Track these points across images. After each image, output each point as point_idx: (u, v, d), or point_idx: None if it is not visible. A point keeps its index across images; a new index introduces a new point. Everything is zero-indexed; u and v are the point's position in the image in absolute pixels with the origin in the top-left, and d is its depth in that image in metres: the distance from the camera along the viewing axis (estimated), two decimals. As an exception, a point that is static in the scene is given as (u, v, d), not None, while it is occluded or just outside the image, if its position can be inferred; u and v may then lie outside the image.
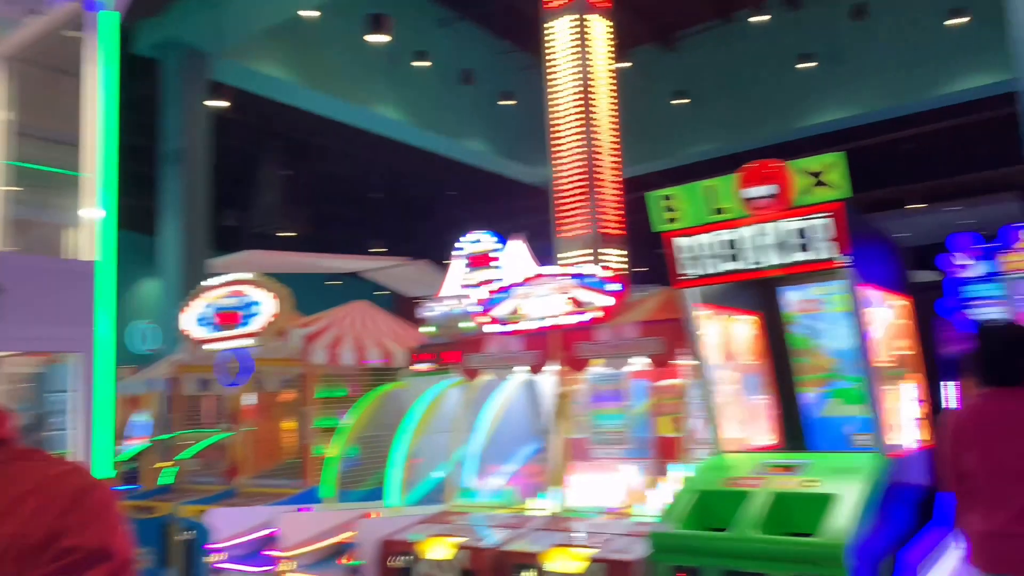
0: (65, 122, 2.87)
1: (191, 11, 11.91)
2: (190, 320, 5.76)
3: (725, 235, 3.19)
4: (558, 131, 9.54)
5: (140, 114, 11.28)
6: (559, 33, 9.56)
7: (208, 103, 12.64)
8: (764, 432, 3.62)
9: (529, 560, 3.24)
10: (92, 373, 2.45)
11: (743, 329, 3.66)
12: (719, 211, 3.19)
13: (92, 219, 2.79)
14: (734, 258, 3.19)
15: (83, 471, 1.11)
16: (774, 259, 3.11)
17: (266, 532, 4.31)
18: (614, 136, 9.64)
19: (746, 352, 3.64)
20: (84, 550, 1.01)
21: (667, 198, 3.28)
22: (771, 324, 3.67)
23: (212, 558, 4.44)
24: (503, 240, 6.52)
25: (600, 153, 9.34)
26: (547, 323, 4.12)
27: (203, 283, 5.88)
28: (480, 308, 4.42)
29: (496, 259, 6.35)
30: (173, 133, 12.13)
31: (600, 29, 9.61)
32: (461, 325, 5.81)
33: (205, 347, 5.67)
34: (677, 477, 3.59)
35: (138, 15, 11.34)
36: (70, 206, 2.82)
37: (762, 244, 3.11)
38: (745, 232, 3.14)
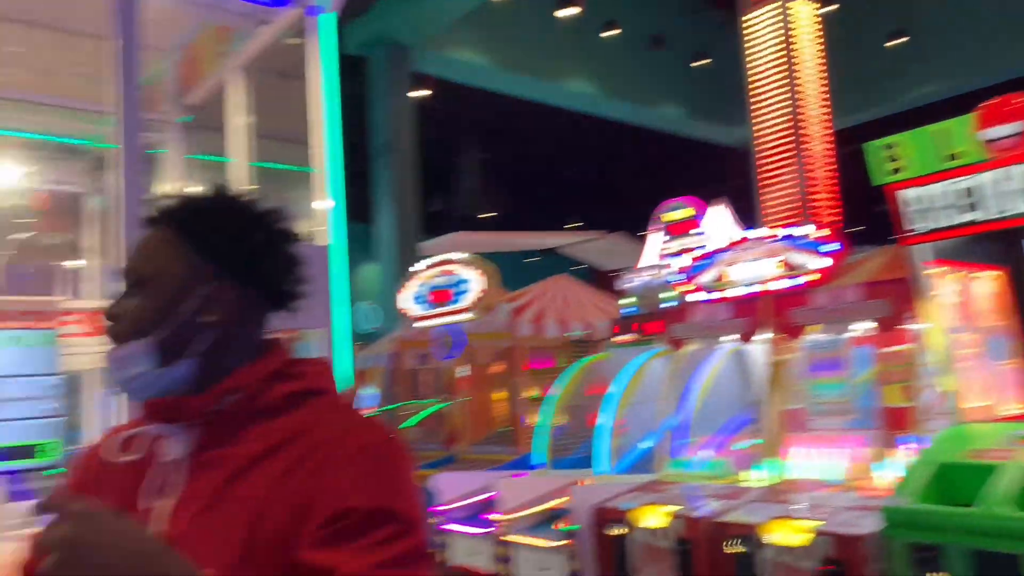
0: (295, 123, 3.16)
1: (393, 6, 12.60)
2: (407, 299, 6.15)
3: (962, 183, 2.89)
4: (758, 87, 9.06)
5: (352, 111, 12.13)
6: (756, -17, 9.07)
7: (412, 94, 13.35)
8: (1012, 401, 3.25)
9: (747, 531, 3.15)
10: (332, 347, 2.71)
11: (984, 286, 3.30)
12: (952, 157, 2.89)
13: (322, 209, 3.05)
14: (972, 208, 2.88)
15: (379, 427, 1.06)
16: (1022, 206, 2.78)
17: (485, 496, 4.52)
18: (822, 87, 9.00)
19: (989, 312, 3.28)
20: (363, 512, 0.95)
21: (889, 147, 3.02)
22: (1019, 279, 3.27)
23: (436, 520, 4.74)
24: (702, 206, 6.32)
25: (805, 106, 8.76)
26: (756, 289, 3.95)
27: (416, 265, 6.25)
28: (682, 277, 4.32)
29: (696, 226, 6.18)
30: (382, 127, 12.96)
31: (801, -27, 8.99)
32: (661, 296, 5.73)
33: (421, 324, 6.04)
34: (909, 449, 3.32)
35: (346, 16, 12.16)
36: (302, 199, 3.11)
37: (1007, 190, 2.78)
38: (986, 178, 2.83)
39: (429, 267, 6.04)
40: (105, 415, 3.07)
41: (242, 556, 0.92)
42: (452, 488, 4.77)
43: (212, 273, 1.04)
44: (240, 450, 0.99)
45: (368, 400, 7.54)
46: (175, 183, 3.64)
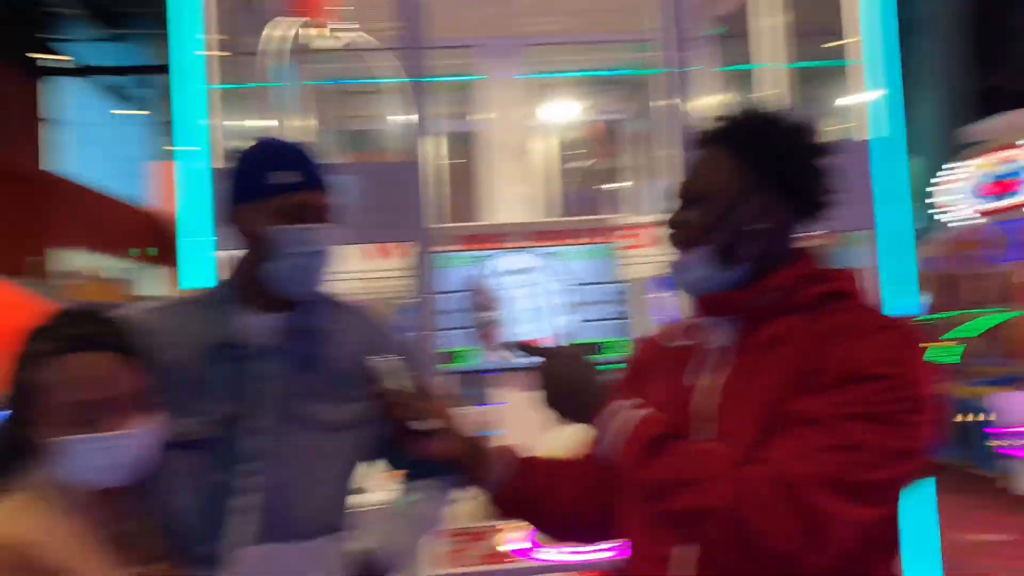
0: (827, 15, 2.98)
1: None
2: (952, 193, 5.44)
3: None
4: None
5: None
6: None
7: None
8: None
9: None
10: (879, 248, 2.57)
11: None
12: None
13: (864, 103, 2.85)
14: None
15: (901, 320, 1.18)
16: None
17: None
18: None
19: None
20: (863, 375, 1.05)
21: None
22: None
23: (996, 442, 4.22)
24: None
25: None
26: None
27: (964, 152, 5.46)
28: None
29: None
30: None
31: None
32: None
33: (971, 221, 5.30)
34: None
35: None
36: (839, 94, 2.93)
37: None
38: None
39: (982, 154, 5.22)
40: (655, 315, 3.41)
41: (762, 430, 1.06)
42: (1016, 410, 4.18)
43: (759, 186, 1.16)
44: (775, 339, 1.12)
45: (909, 307, 6.94)
46: (712, 98, 3.78)
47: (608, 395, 1.12)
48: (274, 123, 3.69)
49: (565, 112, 4.57)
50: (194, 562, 1.26)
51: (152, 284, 22.29)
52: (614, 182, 4.84)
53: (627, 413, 1.08)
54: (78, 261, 16.60)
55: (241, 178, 1.38)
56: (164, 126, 20.96)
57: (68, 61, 18.75)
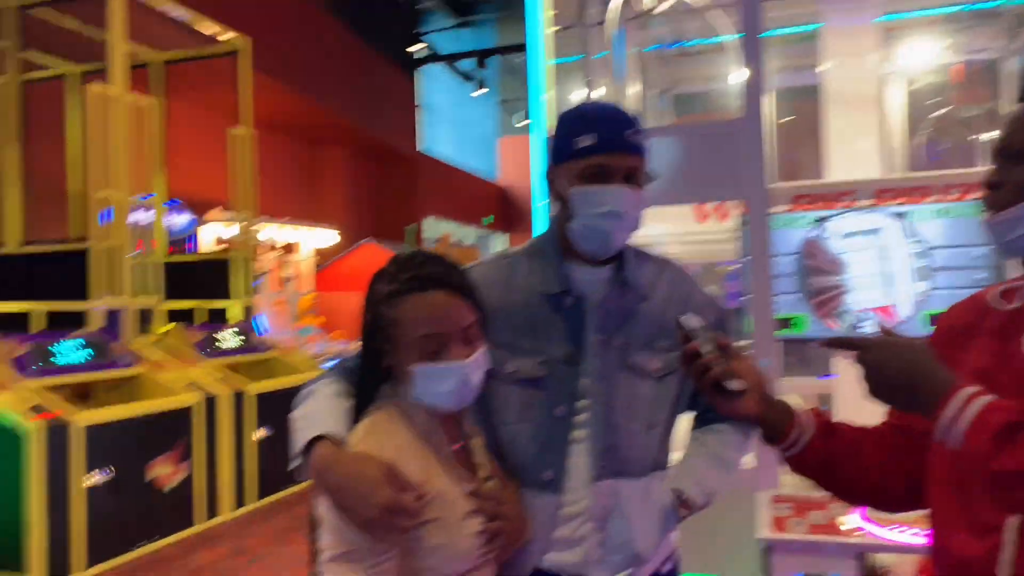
0: None
1: None
2: None
3: None
4: None
5: None
6: None
7: None
8: None
9: None
10: None
11: None
12: None
13: None
14: None
15: None
16: None
17: None
18: None
19: None
20: None
21: None
22: None
23: None
24: None
25: None
26: None
27: None
28: None
29: None
30: None
31: None
32: None
33: None
34: None
35: None
36: None
37: None
38: None
39: None
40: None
41: None
42: None
43: None
44: None
45: None
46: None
47: (945, 383, 1.02)
48: (602, 91, 3.85)
49: (919, 55, 4.09)
50: (530, 486, 1.39)
51: (501, 247, 24.47)
52: (980, 132, 4.24)
53: (970, 400, 1.00)
54: (442, 229, 18.85)
55: (552, 141, 1.46)
56: (505, 104, 22.70)
57: (429, 50, 21.09)
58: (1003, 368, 1.07)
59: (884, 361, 1.04)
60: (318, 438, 1.23)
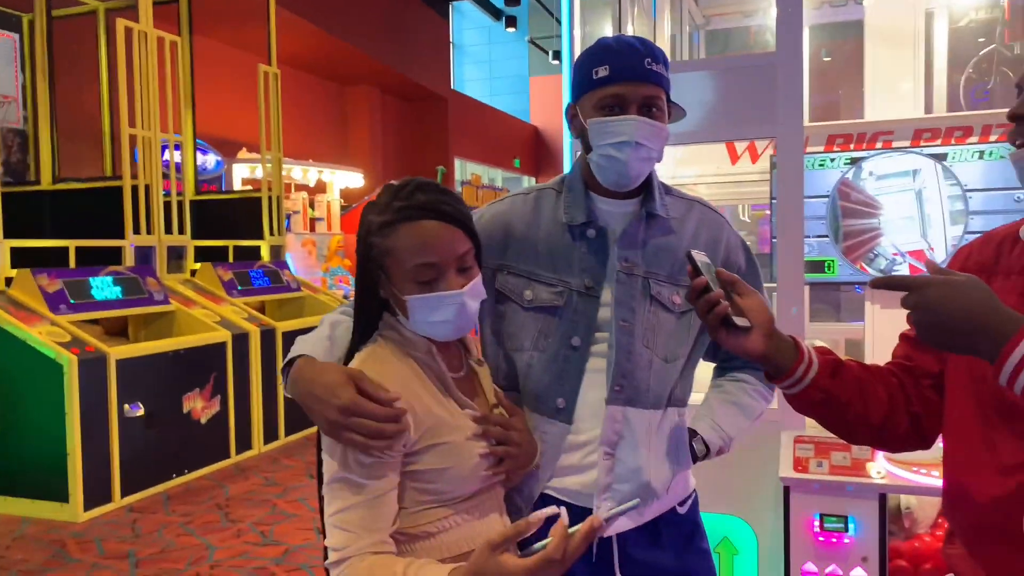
0: None
1: None
2: None
3: None
4: None
5: None
6: None
7: None
8: None
9: None
10: None
11: None
12: None
13: None
14: None
15: None
16: None
17: None
18: None
19: None
20: None
21: None
22: None
23: None
24: None
25: None
26: None
27: None
28: None
29: None
30: None
31: None
32: None
33: None
34: None
35: None
36: None
37: None
38: None
39: None
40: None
41: None
42: None
43: None
44: None
45: None
46: None
47: (1012, 323, 0.93)
48: (630, 28, 3.74)
49: (969, -11, 3.91)
50: (541, 413, 1.41)
51: (528, 192, 24.30)
52: (1028, 70, 4.08)
53: None
54: (471, 171, 18.74)
55: (572, 75, 1.46)
56: (537, 43, 22.26)
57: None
58: None
59: (941, 301, 0.96)
60: (300, 357, 1.25)
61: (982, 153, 3.12)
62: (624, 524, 1.41)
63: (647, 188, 1.46)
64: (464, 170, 19.68)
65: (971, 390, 1.09)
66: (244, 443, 5.99)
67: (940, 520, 2.47)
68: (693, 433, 1.52)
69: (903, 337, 1.28)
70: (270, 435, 6.26)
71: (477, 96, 21.47)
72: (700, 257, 1.21)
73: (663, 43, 3.85)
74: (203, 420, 5.58)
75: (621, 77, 1.36)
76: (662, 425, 1.44)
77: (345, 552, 1.13)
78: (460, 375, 1.30)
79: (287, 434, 6.43)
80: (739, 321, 1.16)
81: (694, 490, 1.55)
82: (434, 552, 1.19)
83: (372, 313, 1.28)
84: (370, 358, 1.23)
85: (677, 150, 3.70)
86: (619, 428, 1.40)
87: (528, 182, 24.24)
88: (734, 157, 3.84)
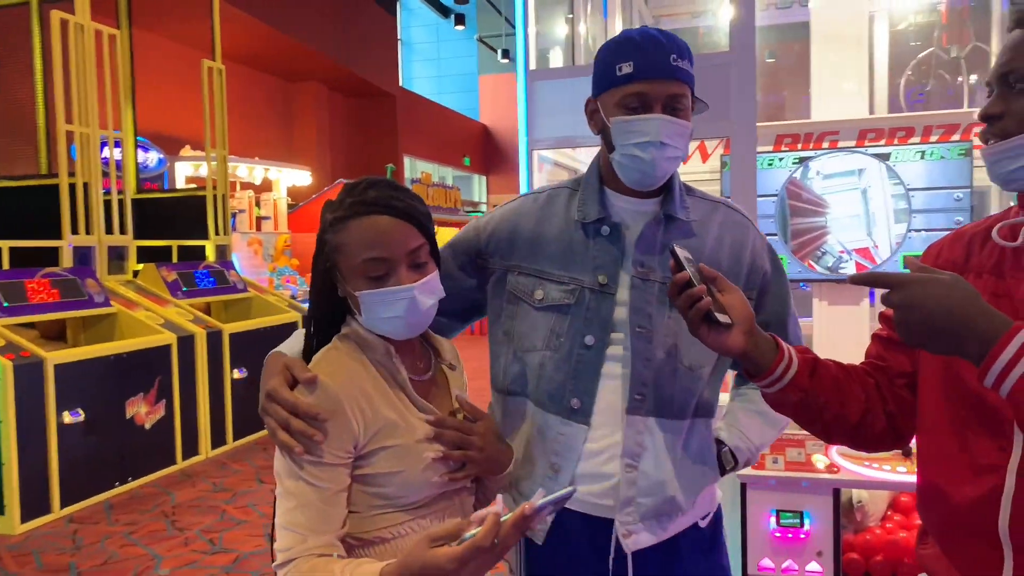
0: None
1: None
2: None
3: None
4: None
5: None
6: None
7: None
8: None
9: None
10: None
11: None
12: None
13: None
14: None
15: None
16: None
17: None
18: None
19: None
20: None
21: None
22: None
23: None
24: None
25: None
26: None
27: None
28: None
29: None
30: None
31: None
32: None
33: None
34: None
35: None
36: None
37: None
38: None
39: None
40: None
41: None
42: None
43: None
44: None
45: None
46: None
47: (999, 324, 0.91)
48: (582, 27, 3.75)
49: (909, -7, 4.02)
50: (558, 414, 1.36)
51: (479, 190, 24.25)
52: (963, 73, 4.21)
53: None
54: (422, 168, 18.61)
55: (593, 68, 1.39)
56: (486, 41, 22.25)
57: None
58: (1003, 307, 1.02)
59: (926, 299, 0.92)
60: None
61: (923, 153, 3.20)
62: (645, 540, 1.35)
63: (668, 188, 1.41)
64: (414, 168, 19.53)
65: (945, 390, 1.09)
66: (191, 448, 5.83)
67: (889, 513, 2.53)
68: (719, 444, 1.46)
69: (876, 337, 1.27)
70: (218, 440, 6.12)
71: (426, 94, 21.34)
72: (682, 252, 1.18)
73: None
74: (147, 426, 5.42)
75: (646, 74, 1.30)
76: (688, 436, 1.38)
77: (291, 553, 1.10)
78: (424, 378, 1.27)
79: (236, 438, 6.28)
80: (720, 317, 1.14)
81: (719, 504, 1.50)
82: (388, 558, 1.15)
83: (329, 313, 1.25)
84: (323, 359, 1.20)
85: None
86: (641, 439, 1.34)
87: (479, 180, 24.18)
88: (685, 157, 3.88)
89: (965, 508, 1.03)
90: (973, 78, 4.39)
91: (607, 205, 1.41)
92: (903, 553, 2.36)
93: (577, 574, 1.36)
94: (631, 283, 1.36)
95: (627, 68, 1.31)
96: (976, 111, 3.42)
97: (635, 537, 1.35)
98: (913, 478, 2.05)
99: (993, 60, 3.69)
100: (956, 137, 3.29)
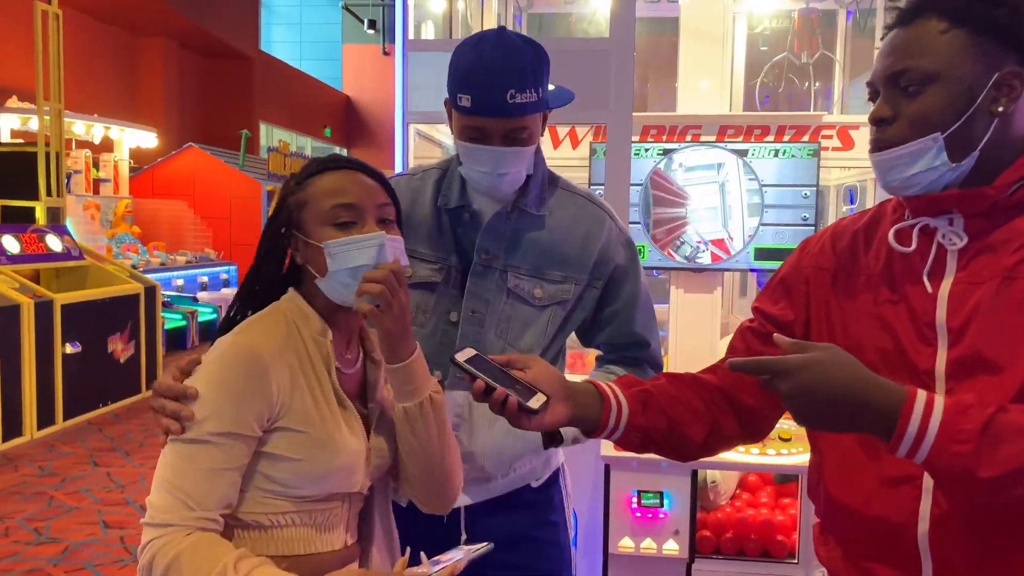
0: None
1: None
2: None
3: None
4: None
5: None
6: None
7: None
8: None
9: None
10: None
11: None
12: None
13: None
14: None
15: None
16: None
17: None
18: None
19: None
20: None
21: None
22: None
23: None
24: None
25: None
26: None
27: None
28: None
29: None
30: None
31: None
32: None
33: None
34: None
35: None
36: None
37: None
38: None
39: None
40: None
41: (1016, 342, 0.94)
42: None
43: (997, 58, 0.98)
44: (1016, 240, 0.98)
45: None
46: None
47: (894, 395, 0.88)
48: (460, 5, 3.69)
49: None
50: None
51: (338, 164, 23.57)
52: (810, 80, 4.50)
53: (929, 408, 0.87)
54: (280, 136, 17.84)
55: (448, 75, 1.39)
56: (351, 10, 21.59)
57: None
58: (900, 312, 1.03)
59: (815, 383, 0.89)
60: None
61: (777, 151, 3.38)
62: (464, 500, 1.43)
63: (525, 183, 1.45)
64: (271, 136, 18.70)
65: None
66: (13, 429, 5.32)
67: (738, 492, 2.68)
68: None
69: (748, 331, 1.21)
70: (45, 419, 5.61)
71: (286, 59, 20.44)
72: (462, 356, 1.10)
73: (490, 22, 3.82)
74: (-39, 404, 4.89)
75: (482, 112, 1.33)
76: None
77: (168, 518, 1.03)
78: (351, 371, 1.21)
79: (66, 418, 5.79)
80: (534, 403, 1.08)
81: (559, 467, 1.58)
82: (260, 546, 1.09)
83: (268, 287, 1.19)
84: (260, 321, 1.15)
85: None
86: (460, 411, 1.42)
87: (340, 153, 23.52)
88: (556, 142, 3.89)
89: (876, 521, 1.01)
90: (818, 84, 4.69)
91: (467, 192, 1.46)
92: (751, 530, 2.50)
93: (416, 527, 1.35)
94: (473, 269, 1.44)
95: (465, 102, 1.33)
96: (823, 115, 3.67)
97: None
98: (761, 459, 2.18)
99: (838, 68, 3.91)
100: (806, 138, 3.49)
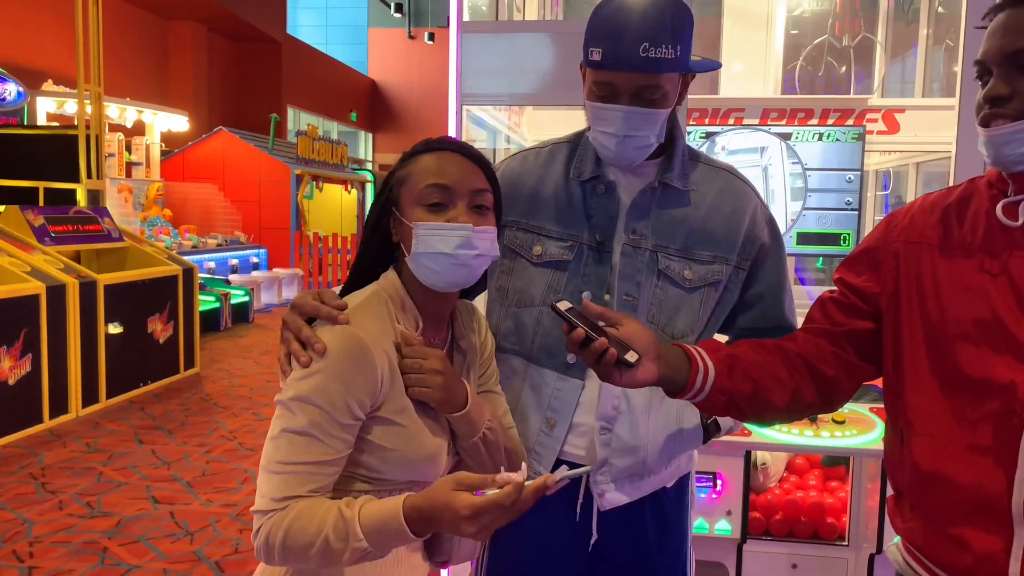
0: None
1: None
2: None
3: None
4: None
5: None
6: None
7: None
8: None
9: None
10: None
11: None
12: None
13: None
14: None
15: None
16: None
17: None
18: None
19: None
20: None
21: None
22: None
23: None
24: None
25: None
26: None
27: None
28: None
29: None
30: None
31: None
32: None
33: None
34: None
35: None
36: None
37: None
38: None
39: None
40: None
41: None
42: None
43: None
44: None
45: None
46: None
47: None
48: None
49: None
50: (555, 369, 1.35)
51: (365, 147, 23.63)
52: (855, 62, 4.46)
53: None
54: (307, 120, 17.90)
55: (585, 32, 1.30)
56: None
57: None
58: (999, 286, 1.05)
59: None
60: None
61: (821, 135, 3.36)
62: (617, 500, 1.37)
63: (667, 154, 1.37)
64: (298, 119, 18.79)
65: (939, 377, 1.09)
66: (59, 407, 5.45)
67: (786, 474, 2.70)
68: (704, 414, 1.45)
69: (829, 300, 1.25)
70: (90, 398, 5.74)
71: (312, 43, 20.49)
72: (563, 306, 1.12)
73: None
74: (11, 381, 5.01)
75: (613, 65, 1.23)
76: (664, 403, 1.36)
77: (273, 505, 1.04)
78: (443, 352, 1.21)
79: (109, 396, 5.92)
80: (629, 357, 1.10)
81: (691, 470, 1.51)
82: None
83: (373, 259, 1.22)
84: (363, 306, 1.14)
85: (538, 112, 3.72)
86: (617, 403, 1.34)
87: (365, 138, 23.55)
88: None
89: (971, 488, 1.04)
90: (844, 69, 4.65)
91: (602, 164, 1.38)
92: (801, 512, 2.52)
93: (545, 520, 1.36)
94: (623, 250, 1.36)
95: (596, 55, 1.25)
96: (869, 98, 3.64)
97: (608, 496, 1.37)
98: (815, 441, 2.19)
99: (879, 50, 3.86)
100: (850, 122, 3.47)
